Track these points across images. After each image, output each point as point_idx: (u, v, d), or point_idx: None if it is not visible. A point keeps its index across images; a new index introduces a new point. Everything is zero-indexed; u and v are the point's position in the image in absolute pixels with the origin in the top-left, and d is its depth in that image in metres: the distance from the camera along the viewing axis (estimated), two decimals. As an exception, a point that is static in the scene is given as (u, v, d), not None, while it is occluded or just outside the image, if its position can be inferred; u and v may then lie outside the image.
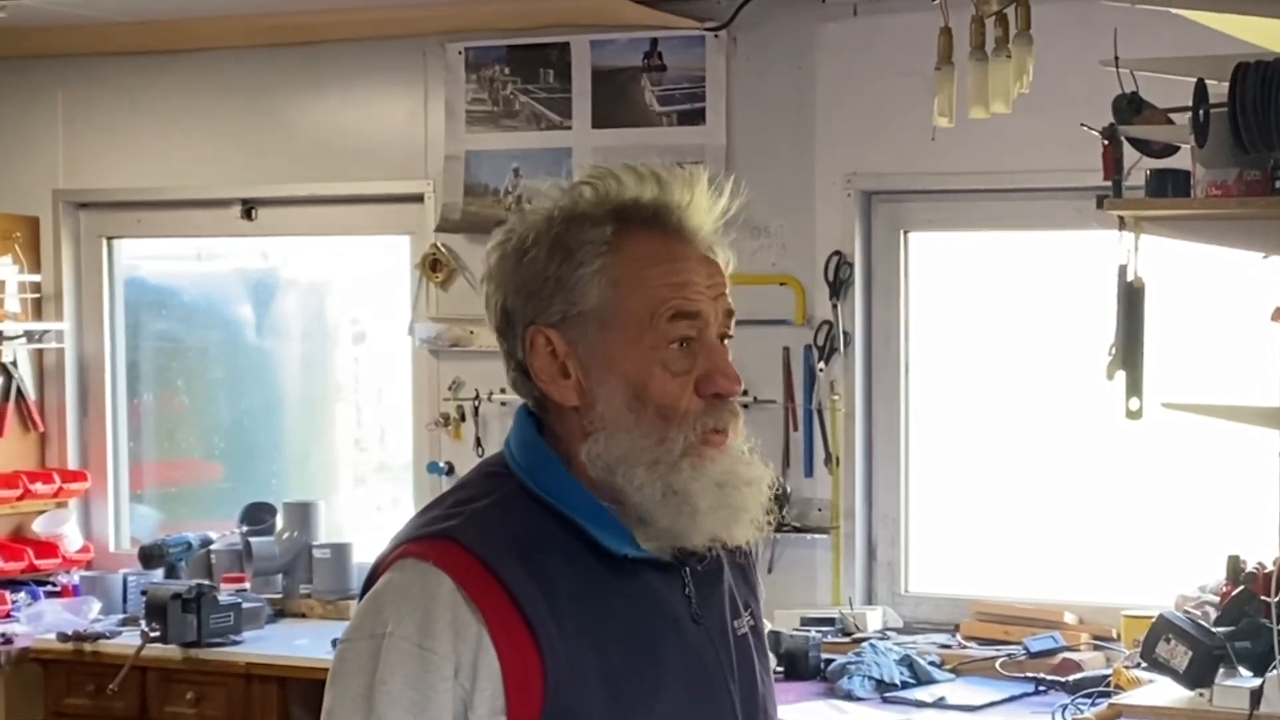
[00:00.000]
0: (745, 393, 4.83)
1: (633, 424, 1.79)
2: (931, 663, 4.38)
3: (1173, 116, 3.35)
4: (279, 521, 5.44)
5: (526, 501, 1.81)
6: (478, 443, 5.20)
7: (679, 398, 1.79)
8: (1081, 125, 3.41)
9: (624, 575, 1.81)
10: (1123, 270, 3.33)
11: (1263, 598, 3.46)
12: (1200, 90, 3.13)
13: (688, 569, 1.86)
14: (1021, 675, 4.28)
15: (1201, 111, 3.12)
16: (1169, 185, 3.33)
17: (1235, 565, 3.68)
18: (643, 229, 1.81)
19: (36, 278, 5.76)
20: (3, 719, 5.04)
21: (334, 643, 4.80)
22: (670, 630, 1.83)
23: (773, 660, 4.27)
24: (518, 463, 1.84)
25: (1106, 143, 3.33)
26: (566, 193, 1.83)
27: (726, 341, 1.83)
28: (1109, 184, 3.34)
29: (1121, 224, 3.32)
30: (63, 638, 5.02)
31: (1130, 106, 3.35)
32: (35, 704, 5.08)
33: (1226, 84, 3.07)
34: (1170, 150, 3.41)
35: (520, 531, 1.78)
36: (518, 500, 1.81)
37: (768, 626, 4.42)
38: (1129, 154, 3.37)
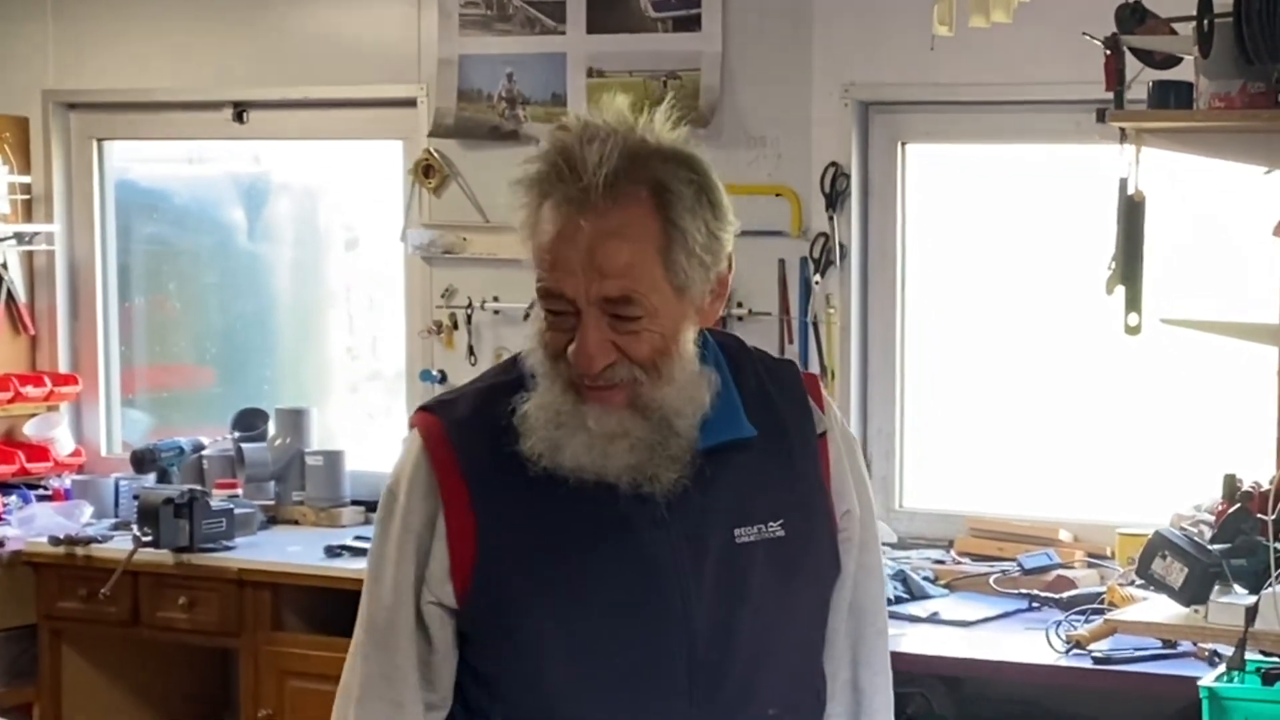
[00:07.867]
0: (739, 305, 4.80)
1: None
2: (925, 578, 4.36)
3: (1176, 26, 3.29)
4: (271, 428, 5.41)
5: (518, 391, 1.95)
6: (470, 350, 5.16)
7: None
8: (1083, 34, 3.36)
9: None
10: (1123, 183, 3.28)
11: (1260, 515, 3.43)
12: (1205, -1, 3.07)
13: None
14: (1016, 591, 4.26)
15: (1206, 21, 3.07)
16: (1171, 97, 3.27)
17: (1232, 484, 3.65)
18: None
19: (26, 179, 5.70)
20: (-5, 621, 5.06)
21: (328, 549, 4.90)
22: (615, 528, 1.90)
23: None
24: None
25: (1108, 53, 3.27)
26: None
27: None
28: (1110, 96, 3.29)
29: (1123, 136, 3.27)
30: (54, 541, 5.00)
31: (1133, 16, 3.30)
32: (27, 607, 5.07)
33: (1232, -6, 3.02)
34: (1173, 61, 3.35)
35: (498, 414, 1.94)
36: (511, 387, 1.96)
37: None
38: (1131, 65, 3.31)
